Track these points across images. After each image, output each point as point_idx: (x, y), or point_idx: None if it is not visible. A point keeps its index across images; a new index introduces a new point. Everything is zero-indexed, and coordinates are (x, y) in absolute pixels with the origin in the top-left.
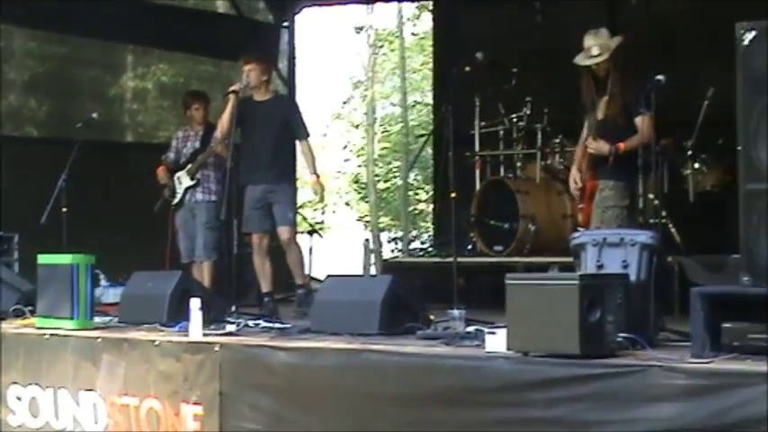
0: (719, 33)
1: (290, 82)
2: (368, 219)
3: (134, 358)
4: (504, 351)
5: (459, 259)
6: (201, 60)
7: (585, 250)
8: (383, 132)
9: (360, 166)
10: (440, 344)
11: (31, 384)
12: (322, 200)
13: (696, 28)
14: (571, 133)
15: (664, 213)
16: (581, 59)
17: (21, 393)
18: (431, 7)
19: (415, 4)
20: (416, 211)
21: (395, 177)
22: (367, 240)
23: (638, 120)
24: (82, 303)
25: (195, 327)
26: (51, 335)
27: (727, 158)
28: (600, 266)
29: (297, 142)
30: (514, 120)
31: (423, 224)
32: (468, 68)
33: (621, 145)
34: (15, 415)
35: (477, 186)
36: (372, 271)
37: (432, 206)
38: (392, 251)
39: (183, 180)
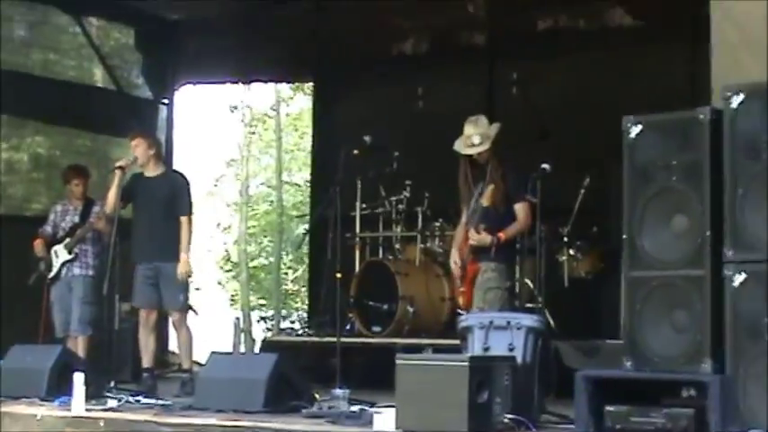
0: (594, 122)
1: (166, 158)
2: (237, 298)
3: None
4: (391, 430)
5: (327, 339)
6: (79, 134)
7: (473, 332)
8: (253, 211)
9: (225, 243)
10: (326, 422)
11: None
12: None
13: (571, 116)
14: (450, 217)
15: (539, 298)
16: (461, 147)
17: None
18: (306, 89)
19: (290, 85)
20: (287, 291)
21: (263, 257)
22: (237, 319)
23: (518, 206)
24: None
25: (78, 401)
26: None
27: (600, 246)
28: (486, 349)
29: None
30: (394, 202)
31: (293, 304)
32: (356, 151)
33: (502, 235)
34: None
35: (357, 267)
36: (242, 349)
37: (305, 286)
38: (263, 330)
39: (61, 254)
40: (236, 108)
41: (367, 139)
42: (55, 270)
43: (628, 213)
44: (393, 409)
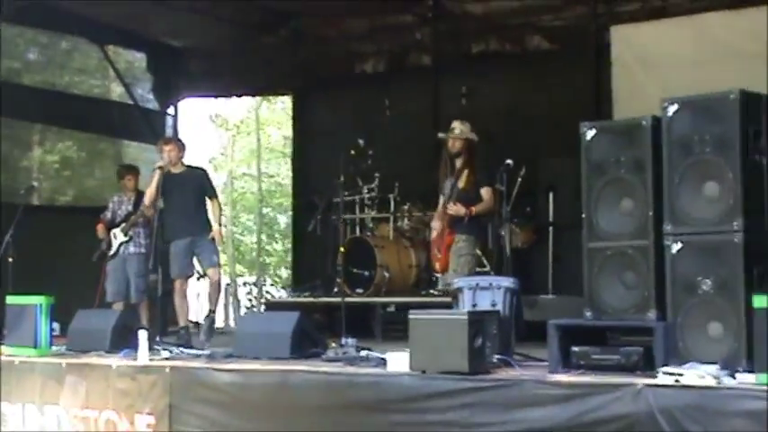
0: (524, 126)
1: None
2: (226, 267)
3: (94, 378)
4: (404, 370)
5: (327, 299)
6: (101, 139)
7: (463, 293)
8: (236, 196)
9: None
10: (344, 364)
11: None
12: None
13: (506, 121)
14: (415, 201)
15: (486, 263)
16: (442, 134)
17: None
18: (272, 100)
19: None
20: (266, 262)
21: (244, 234)
22: (228, 284)
23: (484, 191)
24: (43, 335)
25: (143, 353)
26: (20, 361)
27: (532, 223)
28: (475, 305)
29: (208, 200)
30: (367, 190)
31: (269, 272)
32: (353, 152)
33: (473, 209)
34: None
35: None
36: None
37: (272, 257)
38: (245, 293)
39: (119, 236)
40: (218, 116)
41: (361, 141)
42: (114, 249)
43: (586, 198)
44: (404, 353)
